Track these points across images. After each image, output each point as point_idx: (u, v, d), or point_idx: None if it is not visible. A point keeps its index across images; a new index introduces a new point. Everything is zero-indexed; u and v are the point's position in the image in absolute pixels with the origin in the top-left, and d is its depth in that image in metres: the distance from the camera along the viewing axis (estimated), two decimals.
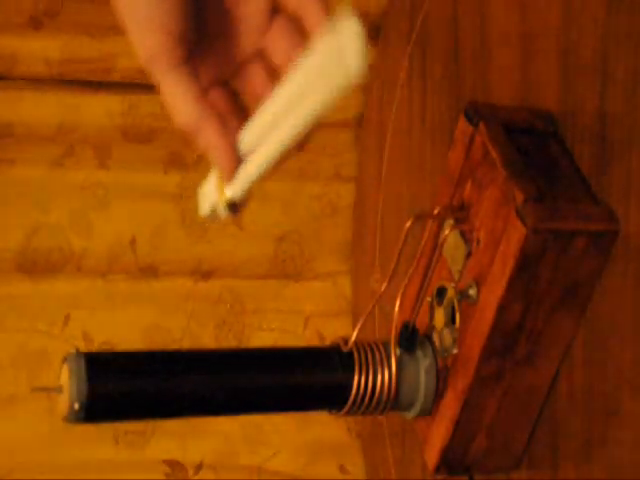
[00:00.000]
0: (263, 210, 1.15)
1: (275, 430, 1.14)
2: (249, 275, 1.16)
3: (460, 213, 0.67)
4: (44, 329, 1.10)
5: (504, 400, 0.66)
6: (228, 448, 1.14)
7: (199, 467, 1.13)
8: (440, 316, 0.69)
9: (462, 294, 0.65)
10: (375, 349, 0.67)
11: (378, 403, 0.66)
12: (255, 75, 0.55)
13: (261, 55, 0.56)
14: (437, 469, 0.69)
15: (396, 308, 0.66)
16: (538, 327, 0.63)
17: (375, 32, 1.07)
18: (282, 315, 1.17)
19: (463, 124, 0.67)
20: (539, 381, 0.66)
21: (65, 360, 0.60)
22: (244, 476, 1.14)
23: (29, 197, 1.10)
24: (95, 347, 1.10)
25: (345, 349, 0.66)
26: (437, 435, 0.68)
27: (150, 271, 1.13)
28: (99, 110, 1.10)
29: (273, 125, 0.53)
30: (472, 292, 0.64)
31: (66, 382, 0.59)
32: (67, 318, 1.10)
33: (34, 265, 1.10)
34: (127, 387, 0.60)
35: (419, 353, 0.68)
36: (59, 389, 0.59)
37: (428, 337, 0.69)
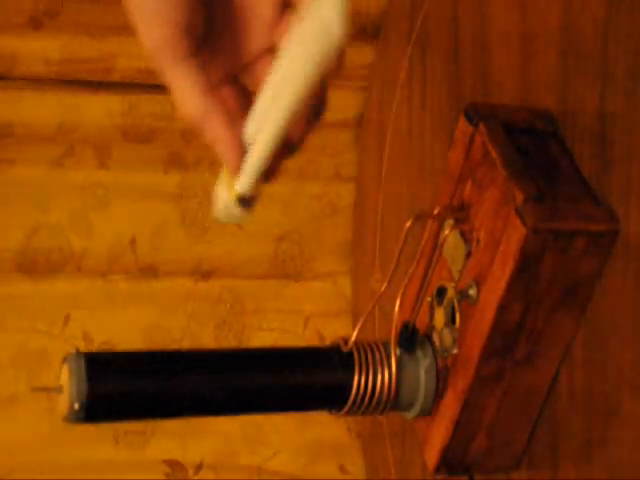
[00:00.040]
0: (263, 210, 1.14)
1: (275, 430, 1.14)
2: (249, 275, 1.16)
3: (460, 213, 0.67)
4: (44, 329, 1.10)
5: (504, 400, 0.66)
6: (228, 448, 1.14)
7: (199, 467, 1.13)
8: (440, 316, 0.69)
9: (462, 294, 0.65)
10: (375, 349, 0.67)
11: (378, 403, 0.66)
12: (265, 70, 0.55)
13: (271, 50, 0.55)
14: (437, 469, 0.69)
15: (396, 308, 0.66)
16: (538, 327, 0.63)
17: (375, 32, 1.07)
18: (282, 315, 1.17)
19: (463, 124, 0.67)
20: (539, 381, 0.66)
21: (65, 360, 0.60)
22: (244, 476, 1.14)
23: (29, 197, 1.10)
24: (95, 347, 1.10)
25: (345, 349, 0.66)
26: (437, 435, 0.68)
27: (150, 271, 1.13)
28: (99, 110, 1.10)
29: (270, 109, 0.53)
30: (472, 292, 0.64)
31: (66, 382, 0.59)
32: (67, 318, 1.10)
33: (34, 265, 1.10)
34: (127, 387, 0.60)
35: (419, 353, 0.68)
36: (59, 389, 0.59)
37: (428, 337, 0.69)
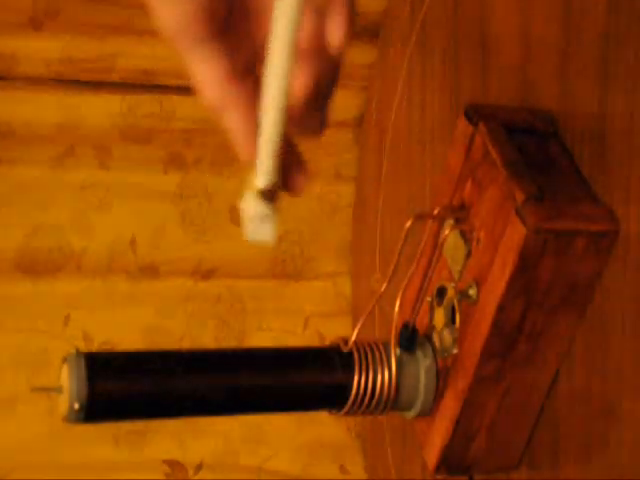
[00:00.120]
0: None
1: (275, 430, 1.14)
2: (249, 275, 1.16)
3: (460, 213, 0.67)
4: (44, 329, 1.10)
5: (504, 400, 0.66)
6: (228, 448, 1.14)
7: (199, 467, 1.13)
8: (440, 316, 0.69)
9: (462, 294, 0.65)
10: (375, 349, 0.67)
11: (378, 403, 0.66)
12: None
13: None
14: (437, 469, 0.69)
15: (396, 308, 0.66)
16: (538, 327, 0.63)
17: (375, 32, 1.07)
18: (282, 315, 1.17)
19: (463, 124, 0.67)
20: (539, 381, 0.66)
21: (65, 360, 0.60)
22: (244, 476, 1.14)
23: (29, 197, 1.10)
24: (95, 347, 1.10)
25: (345, 349, 0.66)
26: (437, 435, 0.68)
27: (150, 271, 1.13)
28: (99, 110, 1.10)
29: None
30: (472, 292, 0.64)
31: (66, 382, 0.59)
32: (67, 318, 1.10)
33: (34, 265, 1.10)
34: (127, 387, 0.60)
35: (419, 353, 0.68)
36: (59, 389, 0.59)
37: (428, 337, 0.69)
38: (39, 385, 0.63)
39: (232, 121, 0.51)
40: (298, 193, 0.53)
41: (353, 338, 0.67)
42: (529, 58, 0.71)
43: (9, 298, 1.09)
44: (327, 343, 0.68)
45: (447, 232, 0.67)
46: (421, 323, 0.70)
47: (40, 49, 1.06)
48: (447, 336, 0.68)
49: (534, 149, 0.65)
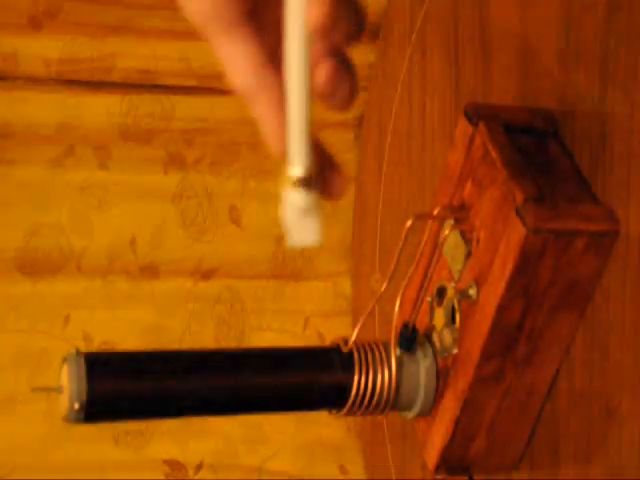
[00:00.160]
0: (263, 210, 1.15)
1: (275, 430, 1.14)
2: (249, 275, 1.16)
3: (460, 213, 0.67)
4: (44, 329, 1.09)
5: (504, 400, 0.66)
6: (228, 448, 1.14)
7: (199, 467, 1.13)
8: (440, 316, 0.69)
9: (462, 294, 0.65)
10: (375, 349, 0.67)
11: (378, 403, 0.66)
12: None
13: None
14: (437, 469, 0.69)
15: (396, 308, 0.66)
16: (538, 327, 0.63)
17: (375, 32, 1.07)
18: (282, 315, 1.17)
19: (463, 124, 0.67)
20: (539, 381, 0.66)
21: (65, 360, 0.60)
22: (244, 476, 1.14)
23: (29, 197, 1.10)
24: (95, 347, 1.10)
25: (345, 349, 0.66)
26: (437, 435, 0.68)
27: (150, 271, 1.13)
28: (99, 110, 1.10)
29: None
30: (472, 292, 0.64)
31: (66, 382, 0.59)
32: (67, 318, 1.10)
33: (34, 265, 1.10)
34: (127, 387, 0.60)
35: (419, 353, 0.68)
36: (59, 389, 0.59)
37: (428, 337, 0.69)
38: (39, 385, 0.63)
39: (265, 107, 0.49)
40: (338, 196, 0.51)
41: (353, 338, 0.66)
42: (529, 58, 0.71)
43: (9, 298, 1.09)
44: (327, 343, 0.68)
45: (447, 232, 0.67)
46: (421, 323, 0.70)
47: (40, 49, 1.06)
48: (447, 336, 0.68)
49: (534, 149, 0.65)
